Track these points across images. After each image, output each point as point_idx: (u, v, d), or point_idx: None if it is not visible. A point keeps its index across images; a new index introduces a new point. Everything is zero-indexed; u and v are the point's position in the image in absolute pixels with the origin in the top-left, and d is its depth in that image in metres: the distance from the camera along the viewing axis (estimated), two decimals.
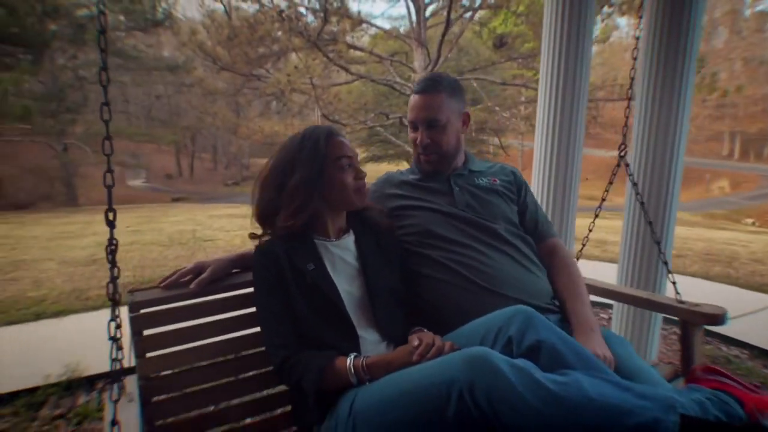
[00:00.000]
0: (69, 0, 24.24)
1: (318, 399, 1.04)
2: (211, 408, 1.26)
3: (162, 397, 1.16)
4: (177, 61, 22.88)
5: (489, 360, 0.83)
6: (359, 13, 14.21)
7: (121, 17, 23.62)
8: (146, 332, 1.13)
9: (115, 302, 1.01)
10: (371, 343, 1.16)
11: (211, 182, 31.93)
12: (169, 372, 1.18)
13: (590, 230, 1.89)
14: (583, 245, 1.92)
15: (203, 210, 12.83)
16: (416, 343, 1.02)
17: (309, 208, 1.18)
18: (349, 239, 1.28)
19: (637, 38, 1.83)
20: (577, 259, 1.59)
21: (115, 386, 1.02)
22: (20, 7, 12.66)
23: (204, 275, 1.20)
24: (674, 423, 0.73)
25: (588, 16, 1.91)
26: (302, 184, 1.17)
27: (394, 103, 19.92)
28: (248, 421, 1.27)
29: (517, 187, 1.44)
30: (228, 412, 1.24)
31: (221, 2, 14.92)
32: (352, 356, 1.07)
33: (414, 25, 16.45)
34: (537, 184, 2.16)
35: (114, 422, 0.87)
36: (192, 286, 1.18)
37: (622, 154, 1.87)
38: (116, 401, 0.95)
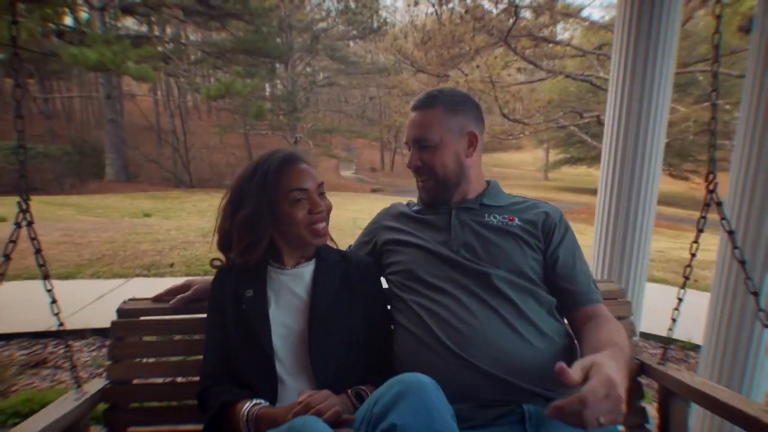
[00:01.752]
0: (308, 16, 29.04)
1: (210, 424, 0.98)
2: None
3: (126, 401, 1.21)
4: (387, 64, 24.98)
5: None
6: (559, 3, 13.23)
7: (343, 27, 27.14)
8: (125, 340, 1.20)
9: None
10: (294, 390, 1.02)
11: (408, 176, 33.97)
12: (137, 381, 1.22)
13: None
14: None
15: (384, 201, 13.93)
16: (301, 398, 0.89)
17: (260, 246, 1.08)
18: (307, 269, 1.15)
19: None
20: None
21: None
22: (264, 27, 15.67)
23: (186, 294, 1.20)
24: None
25: None
26: (248, 221, 1.07)
27: (596, 101, 17.98)
28: None
29: (546, 232, 1.14)
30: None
31: (433, 6, 15.78)
32: (253, 402, 0.96)
33: None
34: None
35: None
36: (172, 302, 1.19)
37: (711, 187, 1.20)
38: None
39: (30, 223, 1.04)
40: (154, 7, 16.58)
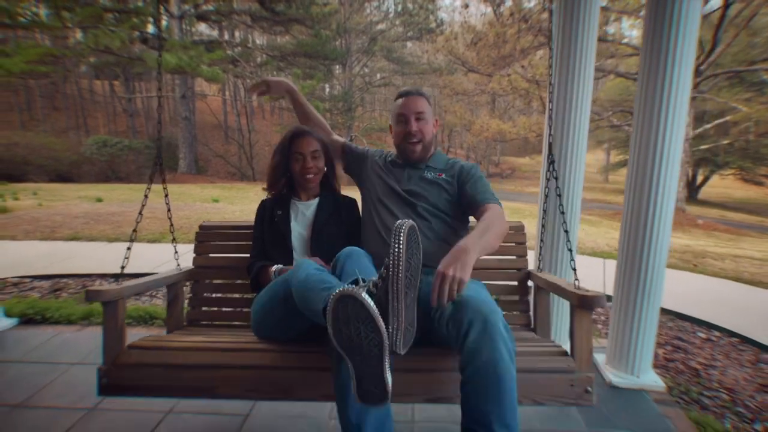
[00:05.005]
0: (366, 18, 29.95)
1: (253, 282, 1.69)
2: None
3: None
4: (441, 64, 25.33)
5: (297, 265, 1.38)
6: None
7: (401, 29, 27.78)
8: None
9: None
10: None
11: None
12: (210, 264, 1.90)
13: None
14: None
15: None
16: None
17: (279, 184, 1.80)
18: (314, 202, 1.81)
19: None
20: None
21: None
22: (324, 31, 16.64)
23: (262, 89, 1.89)
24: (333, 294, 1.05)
25: None
26: (274, 167, 1.80)
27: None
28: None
29: (459, 178, 1.66)
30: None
31: (486, 6, 16.06)
32: (278, 266, 1.64)
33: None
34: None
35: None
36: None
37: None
38: None
39: (166, 195, 1.88)
40: (225, 14, 18.09)
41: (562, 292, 1.40)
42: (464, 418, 1.13)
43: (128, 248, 1.65)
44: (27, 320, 2.68)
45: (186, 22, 18.38)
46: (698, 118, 17.53)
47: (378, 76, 31.98)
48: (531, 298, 1.74)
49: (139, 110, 30.16)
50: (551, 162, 1.85)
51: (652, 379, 2.00)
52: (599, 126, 14.62)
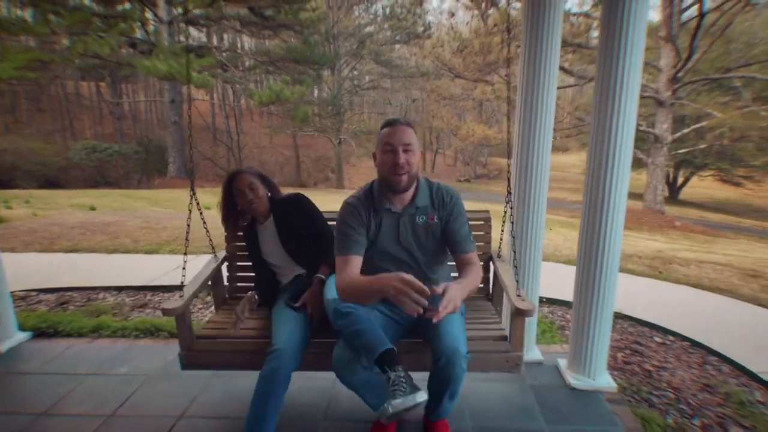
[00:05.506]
0: (354, 21, 30.17)
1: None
2: None
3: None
4: (429, 68, 25.67)
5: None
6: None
7: (389, 33, 28.08)
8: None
9: None
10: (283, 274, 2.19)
11: (447, 177, 34.61)
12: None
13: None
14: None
15: None
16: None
17: (233, 219, 2.18)
18: (270, 219, 2.14)
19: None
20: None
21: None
22: (312, 37, 16.85)
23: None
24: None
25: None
26: (223, 206, 2.13)
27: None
28: None
29: (447, 213, 1.80)
30: None
31: (478, 13, 16.41)
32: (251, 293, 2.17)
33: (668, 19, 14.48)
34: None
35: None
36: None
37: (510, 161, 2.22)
38: None
39: (198, 203, 2.10)
40: (215, 19, 18.19)
41: (506, 290, 1.88)
42: (429, 387, 1.67)
43: (184, 261, 2.07)
44: (40, 333, 2.89)
45: (175, 27, 18.46)
46: (679, 122, 18.09)
47: (366, 79, 32.21)
48: (491, 274, 2.23)
49: (126, 113, 30.02)
50: (509, 192, 2.13)
51: (606, 381, 2.28)
52: (581, 131, 15.01)
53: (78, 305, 3.47)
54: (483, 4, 13.89)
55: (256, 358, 1.77)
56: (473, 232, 1.92)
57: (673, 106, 14.62)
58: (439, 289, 1.43)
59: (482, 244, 2.24)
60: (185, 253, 2.02)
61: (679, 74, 14.03)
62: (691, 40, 12.91)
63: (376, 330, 1.58)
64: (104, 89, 30.39)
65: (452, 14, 15.55)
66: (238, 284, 2.37)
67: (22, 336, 2.81)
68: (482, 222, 2.26)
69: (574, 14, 14.97)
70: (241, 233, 2.26)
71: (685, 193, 27.91)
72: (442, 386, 1.64)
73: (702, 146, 15.63)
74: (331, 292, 1.81)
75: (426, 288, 1.39)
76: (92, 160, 17.31)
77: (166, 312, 1.80)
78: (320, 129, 24.41)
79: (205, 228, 2.26)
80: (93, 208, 8.70)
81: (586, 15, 15.21)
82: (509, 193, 2.13)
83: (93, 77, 29.34)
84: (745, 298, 3.81)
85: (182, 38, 19.21)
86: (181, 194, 13.28)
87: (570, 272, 4.38)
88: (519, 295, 1.80)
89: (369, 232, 1.79)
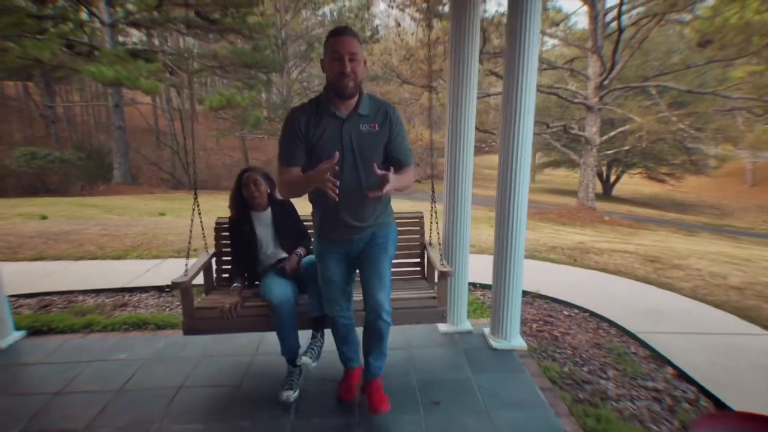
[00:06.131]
0: (302, 24, 30.38)
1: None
2: None
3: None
4: (378, 72, 26.25)
5: None
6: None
7: None
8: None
9: None
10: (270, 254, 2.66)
11: None
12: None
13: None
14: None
15: None
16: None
17: (239, 205, 2.62)
18: (268, 210, 2.64)
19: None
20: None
21: None
22: (261, 43, 17.04)
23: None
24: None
25: None
26: (233, 195, 2.63)
27: (557, 113, 19.50)
28: None
29: (389, 129, 1.94)
30: None
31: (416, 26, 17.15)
32: (236, 285, 2.57)
33: (593, 32, 15.88)
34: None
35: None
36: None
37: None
38: None
39: (200, 212, 2.61)
40: (160, 22, 17.92)
41: (433, 264, 2.52)
42: (363, 343, 2.19)
43: (187, 256, 2.41)
44: (34, 331, 3.21)
45: (117, 28, 18.02)
46: (610, 125, 19.74)
47: (316, 81, 32.34)
48: (425, 260, 2.85)
49: (60, 116, 28.51)
50: (433, 192, 2.75)
51: (518, 342, 2.94)
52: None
53: (60, 308, 3.77)
54: (427, 16, 14.67)
55: (251, 320, 2.32)
56: (408, 229, 2.57)
57: (600, 111, 16.03)
58: (381, 172, 1.74)
59: (417, 236, 2.87)
60: (188, 250, 2.54)
61: (605, 82, 15.44)
62: (613, 52, 14.29)
63: (332, 293, 2.15)
64: (33, 89, 28.65)
65: (398, 24, 16.16)
66: (224, 276, 2.84)
67: (18, 334, 3.12)
68: (417, 220, 2.90)
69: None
70: (226, 233, 2.74)
71: (617, 190, 30.18)
72: (372, 339, 2.10)
73: (626, 148, 17.22)
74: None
75: (333, 165, 1.67)
76: (32, 167, 16.61)
77: (174, 284, 2.30)
78: (271, 132, 24.42)
79: (202, 228, 2.72)
80: (44, 217, 8.63)
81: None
82: (433, 192, 2.77)
83: (20, 77, 27.61)
84: (638, 279, 4.67)
85: (120, 38, 18.79)
86: (132, 201, 13.16)
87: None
88: (442, 264, 2.45)
89: (310, 136, 1.90)
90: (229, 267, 2.76)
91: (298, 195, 1.95)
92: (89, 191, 17.70)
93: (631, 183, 32.49)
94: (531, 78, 2.58)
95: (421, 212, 2.94)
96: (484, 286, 4.21)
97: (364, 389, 2.29)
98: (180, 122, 28.31)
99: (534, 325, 3.48)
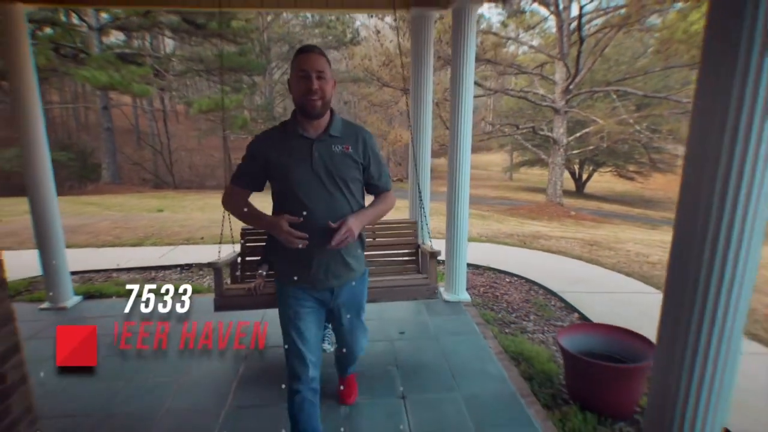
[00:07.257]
0: (283, 27, 31.09)
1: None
2: None
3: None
4: (359, 74, 27.16)
5: None
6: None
7: (320, 39, 29.32)
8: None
9: None
10: None
11: None
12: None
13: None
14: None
15: None
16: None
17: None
18: None
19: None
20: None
21: None
22: (246, 47, 17.80)
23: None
24: None
25: None
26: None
27: (530, 115, 20.78)
28: None
29: (363, 154, 1.85)
30: None
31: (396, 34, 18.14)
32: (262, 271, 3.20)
33: (559, 39, 17.04)
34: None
35: None
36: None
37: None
38: None
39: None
40: (147, 27, 18.53)
41: (426, 249, 3.19)
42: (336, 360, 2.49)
43: (219, 246, 3.21)
44: (89, 296, 4.06)
45: (104, 32, 18.54)
46: (582, 126, 21.06)
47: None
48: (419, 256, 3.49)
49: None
50: (419, 190, 3.70)
51: (465, 296, 3.93)
52: (492, 136, 17.30)
53: (101, 282, 4.62)
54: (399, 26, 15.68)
55: (271, 298, 2.66)
56: (404, 233, 3.34)
57: (567, 114, 17.26)
58: (334, 225, 1.72)
59: (411, 240, 3.33)
60: (221, 238, 3.30)
61: (570, 87, 16.66)
62: (577, 59, 15.50)
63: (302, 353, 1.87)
64: (8, 89, 28.55)
65: (378, 31, 17.10)
66: (247, 273, 3.22)
67: (77, 298, 3.97)
68: (410, 224, 3.45)
69: (486, 32, 17.16)
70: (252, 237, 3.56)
71: (590, 187, 31.60)
72: (346, 364, 2.39)
73: (590, 147, 18.53)
74: None
75: (304, 235, 1.70)
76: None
77: (210, 263, 2.95)
78: (253, 133, 24.94)
79: (230, 227, 3.21)
80: None
81: (494, 34, 17.49)
82: (420, 192, 3.68)
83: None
84: (573, 257, 5.72)
85: (104, 39, 19.29)
86: (125, 199, 13.84)
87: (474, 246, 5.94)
88: (432, 249, 2.96)
89: (273, 161, 1.79)
90: (249, 271, 3.18)
91: (244, 221, 1.99)
92: (78, 191, 18.20)
93: (603, 181, 34.02)
94: (468, 98, 3.58)
95: (415, 220, 3.50)
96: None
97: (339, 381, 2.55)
98: (163, 122, 28.71)
99: (482, 289, 4.47)
